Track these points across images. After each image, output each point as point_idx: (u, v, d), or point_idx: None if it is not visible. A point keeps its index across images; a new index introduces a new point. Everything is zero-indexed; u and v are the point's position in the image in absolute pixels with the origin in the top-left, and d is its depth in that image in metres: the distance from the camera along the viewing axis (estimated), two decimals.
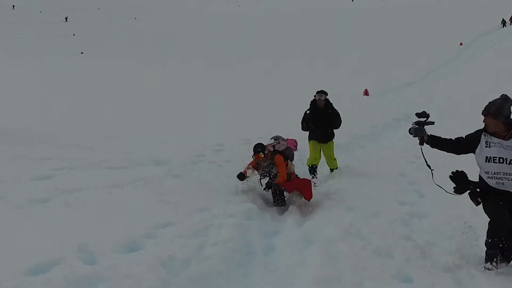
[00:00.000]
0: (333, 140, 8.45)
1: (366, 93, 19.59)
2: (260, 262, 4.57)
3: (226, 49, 41.22)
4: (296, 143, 9.80)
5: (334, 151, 8.47)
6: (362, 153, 10.33)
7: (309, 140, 8.40)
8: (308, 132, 8.43)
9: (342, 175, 8.12)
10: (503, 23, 44.16)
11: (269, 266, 4.55)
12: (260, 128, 11.71)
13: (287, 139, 9.73)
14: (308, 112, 8.26)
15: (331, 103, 8.30)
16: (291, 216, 6.09)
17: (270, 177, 6.89)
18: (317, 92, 8.18)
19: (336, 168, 8.46)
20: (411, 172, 8.27)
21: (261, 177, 6.93)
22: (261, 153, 6.73)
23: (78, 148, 9.11)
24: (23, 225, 4.68)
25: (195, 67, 30.27)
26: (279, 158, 6.80)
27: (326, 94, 8.20)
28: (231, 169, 7.81)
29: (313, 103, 8.22)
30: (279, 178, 6.67)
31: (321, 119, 8.16)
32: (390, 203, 6.68)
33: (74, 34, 59.23)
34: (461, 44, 36.17)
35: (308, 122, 8.21)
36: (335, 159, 8.47)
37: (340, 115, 8.32)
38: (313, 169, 8.25)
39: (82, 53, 41.90)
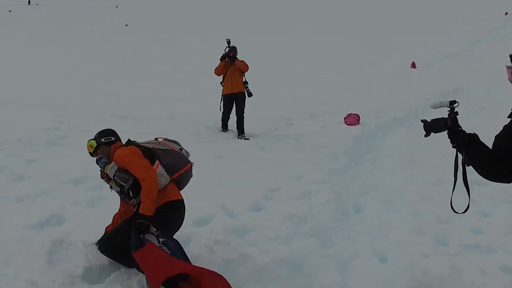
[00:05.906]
0: None
1: (413, 65, 20.15)
2: (355, 219, 5.68)
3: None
4: (359, 117, 10.56)
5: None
6: (419, 126, 11.19)
7: None
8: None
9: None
10: None
11: (364, 221, 5.59)
12: (326, 102, 12.64)
13: (350, 114, 10.62)
14: None
15: None
16: None
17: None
18: None
19: None
20: None
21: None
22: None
23: (165, 123, 10.33)
24: None
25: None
26: (122, 153, 3.97)
27: None
28: (305, 141, 8.91)
29: None
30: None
31: None
32: None
33: (117, 6, 60.66)
34: (506, 14, 35.73)
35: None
36: None
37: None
38: None
39: (126, 25, 43.10)
